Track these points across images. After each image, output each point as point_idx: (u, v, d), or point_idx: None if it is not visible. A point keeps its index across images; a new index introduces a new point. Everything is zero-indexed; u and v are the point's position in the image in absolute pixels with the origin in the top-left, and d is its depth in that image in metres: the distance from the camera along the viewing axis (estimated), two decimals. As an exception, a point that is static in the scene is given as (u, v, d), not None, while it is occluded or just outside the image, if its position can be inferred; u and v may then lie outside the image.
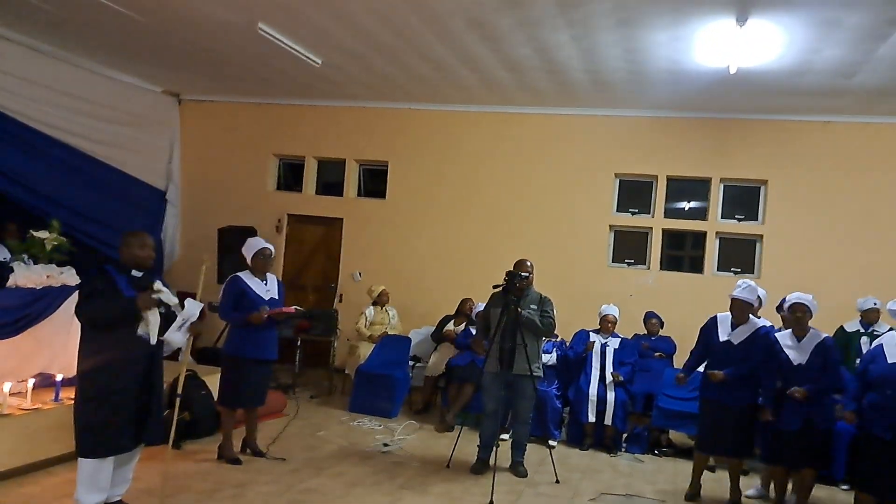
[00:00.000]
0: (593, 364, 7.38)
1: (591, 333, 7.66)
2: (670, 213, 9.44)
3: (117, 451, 4.36)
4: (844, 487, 6.23)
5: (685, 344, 6.16)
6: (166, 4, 6.72)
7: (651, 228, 9.40)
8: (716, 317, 5.88)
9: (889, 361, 5.05)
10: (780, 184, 8.92)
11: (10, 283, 5.85)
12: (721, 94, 8.10)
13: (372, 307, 8.88)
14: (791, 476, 5.66)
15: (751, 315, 5.77)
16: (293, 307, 6.16)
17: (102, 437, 4.27)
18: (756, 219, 9.14)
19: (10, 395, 5.25)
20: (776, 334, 5.67)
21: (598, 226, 9.46)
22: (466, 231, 9.81)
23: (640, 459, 7.02)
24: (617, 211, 9.56)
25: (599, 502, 5.68)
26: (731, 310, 5.75)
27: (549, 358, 7.59)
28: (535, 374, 6.08)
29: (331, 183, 10.65)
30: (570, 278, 9.10)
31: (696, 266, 9.36)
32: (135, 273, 4.45)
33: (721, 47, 6.49)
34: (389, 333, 8.77)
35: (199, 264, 4.92)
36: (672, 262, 9.54)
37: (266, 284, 5.98)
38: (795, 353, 5.45)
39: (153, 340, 4.36)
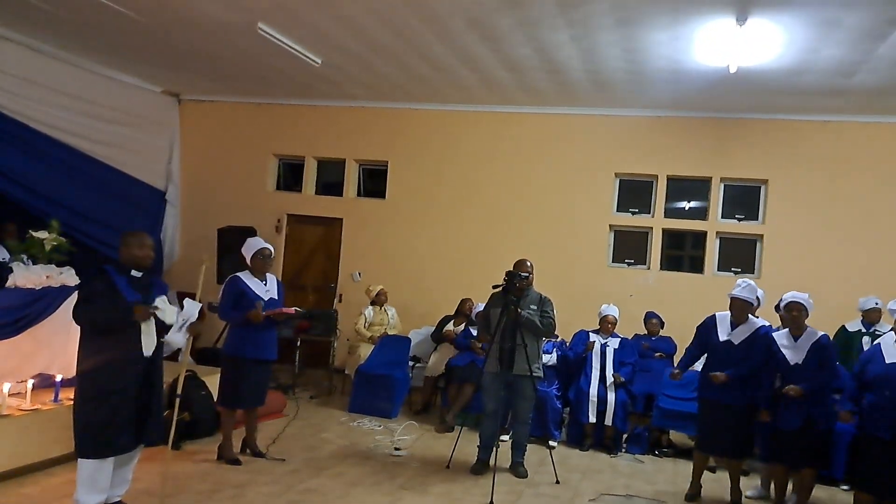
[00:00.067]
0: (593, 364, 7.37)
1: (590, 334, 7.64)
2: (670, 212, 9.43)
3: (117, 452, 4.35)
4: (845, 488, 6.22)
5: (685, 344, 6.14)
6: (166, 4, 6.71)
7: (651, 228, 9.40)
8: (714, 316, 5.87)
9: (887, 362, 5.05)
10: (780, 183, 8.92)
11: (10, 283, 5.84)
12: (721, 93, 8.09)
13: (370, 307, 8.87)
14: (791, 476, 5.66)
15: (749, 315, 5.77)
16: (293, 308, 6.15)
17: (102, 437, 4.27)
18: (756, 218, 9.13)
19: (9, 395, 5.24)
20: (773, 334, 5.68)
21: (598, 226, 9.46)
22: (466, 231, 9.80)
23: (640, 460, 7.01)
24: (617, 211, 9.56)
25: (599, 503, 5.68)
26: (730, 309, 5.74)
27: (550, 358, 7.58)
28: (535, 374, 6.07)
29: (330, 183, 10.65)
30: (570, 278, 9.09)
31: (697, 266, 9.36)
32: (134, 273, 4.44)
33: (721, 47, 6.49)
34: (389, 333, 8.77)
35: (199, 264, 4.92)
36: (672, 261, 9.53)
37: (266, 285, 5.97)
38: (792, 353, 5.46)
39: (146, 352, 4.34)
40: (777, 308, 6.25)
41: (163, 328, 4.47)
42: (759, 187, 9.12)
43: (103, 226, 8.80)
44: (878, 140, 8.61)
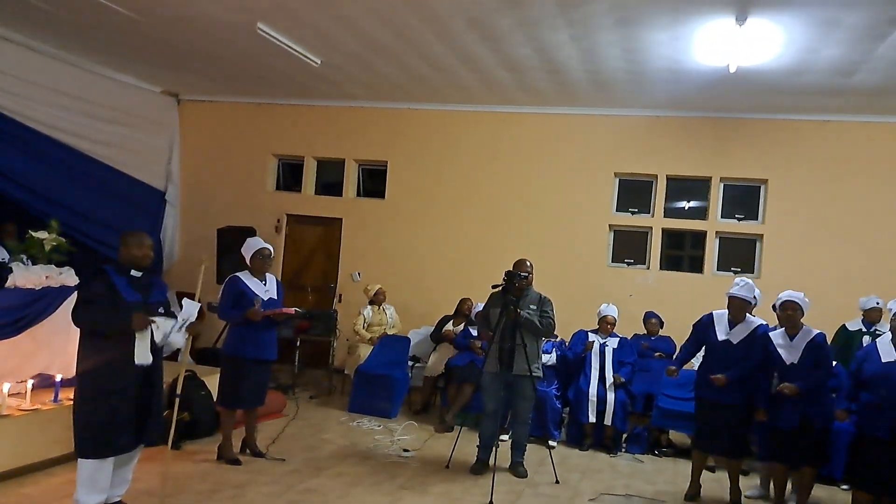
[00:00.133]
0: (593, 364, 7.37)
1: (589, 334, 7.64)
2: (670, 212, 9.43)
3: (117, 452, 4.35)
4: (844, 487, 6.22)
5: (685, 344, 6.16)
6: (166, 4, 6.71)
7: (651, 228, 9.40)
8: (711, 314, 5.86)
9: (883, 361, 5.05)
10: (779, 183, 8.92)
11: (9, 283, 5.83)
12: (721, 93, 8.10)
13: (369, 307, 8.86)
14: (790, 475, 5.66)
15: (747, 313, 5.77)
16: (293, 308, 6.15)
17: (102, 437, 4.27)
18: (756, 218, 9.14)
19: (9, 395, 5.24)
20: (770, 333, 5.68)
21: (598, 225, 9.46)
22: (466, 231, 9.80)
23: (639, 460, 7.01)
24: (617, 210, 9.56)
25: (599, 502, 5.68)
26: (728, 308, 5.74)
27: (549, 358, 7.58)
28: (534, 374, 6.07)
29: (330, 183, 10.65)
30: (570, 278, 9.09)
31: (696, 266, 9.36)
32: (134, 273, 4.44)
33: (721, 46, 6.49)
34: (389, 333, 8.77)
35: (198, 264, 4.92)
36: (672, 261, 9.53)
37: (265, 285, 5.97)
38: (787, 353, 5.46)
39: (138, 361, 4.33)
40: (774, 307, 6.26)
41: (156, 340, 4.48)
42: (759, 187, 9.12)
43: (103, 226, 8.80)
44: (878, 140, 8.61)
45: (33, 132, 8.18)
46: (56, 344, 5.91)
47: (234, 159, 10.71)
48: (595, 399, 7.18)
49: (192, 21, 7.11)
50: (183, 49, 8.19)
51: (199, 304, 4.65)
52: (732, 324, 5.70)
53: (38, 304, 5.93)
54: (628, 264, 9.50)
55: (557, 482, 6.02)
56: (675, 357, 6.06)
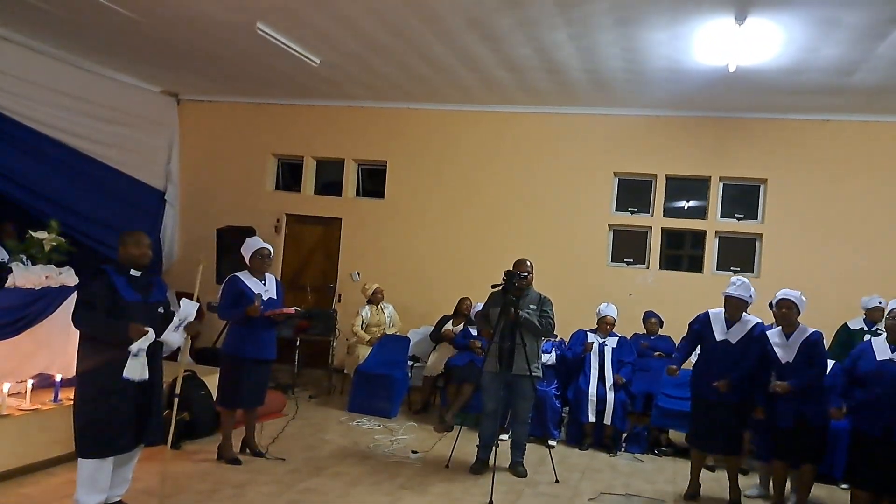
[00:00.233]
0: (592, 364, 7.37)
1: (588, 333, 7.64)
2: (669, 212, 9.43)
3: (117, 452, 4.35)
4: (844, 486, 6.22)
5: (684, 343, 6.16)
6: (166, 4, 6.71)
7: (650, 227, 9.40)
8: (707, 313, 5.84)
9: (878, 359, 5.06)
10: (779, 183, 8.92)
11: (9, 283, 5.82)
12: (720, 92, 8.10)
13: (367, 307, 8.86)
14: (790, 474, 5.66)
15: (743, 312, 5.77)
16: (293, 308, 6.16)
17: (102, 437, 4.27)
18: (755, 218, 9.14)
19: (9, 395, 5.24)
20: (767, 332, 5.69)
21: (598, 225, 9.46)
22: (465, 231, 9.80)
23: (639, 459, 7.02)
24: (616, 210, 9.56)
25: (599, 502, 5.68)
26: (725, 308, 5.74)
27: (549, 358, 7.59)
28: (534, 374, 6.07)
29: (329, 183, 10.65)
30: (570, 278, 9.09)
31: (696, 265, 9.36)
32: (133, 272, 4.44)
33: (720, 46, 6.49)
34: (388, 332, 8.77)
35: (197, 264, 4.92)
36: (671, 261, 9.54)
37: (265, 284, 5.97)
38: (783, 351, 5.48)
39: (126, 374, 4.30)
40: (771, 306, 6.28)
41: (163, 321, 4.48)
42: (759, 186, 9.12)
43: (102, 226, 8.79)
44: (878, 139, 8.61)
45: (33, 132, 8.17)
46: (56, 344, 5.91)
47: (234, 159, 10.71)
48: (595, 398, 7.18)
49: (192, 21, 7.11)
50: (183, 49, 8.19)
51: (198, 304, 4.64)
52: (729, 323, 5.70)
53: (38, 304, 5.93)
54: (628, 264, 9.50)
55: (557, 482, 6.02)
56: (673, 356, 6.04)
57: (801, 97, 8.05)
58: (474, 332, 7.97)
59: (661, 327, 8.24)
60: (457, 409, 7.50)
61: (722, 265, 9.21)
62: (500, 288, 6.04)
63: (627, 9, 5.96)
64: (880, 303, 7.10)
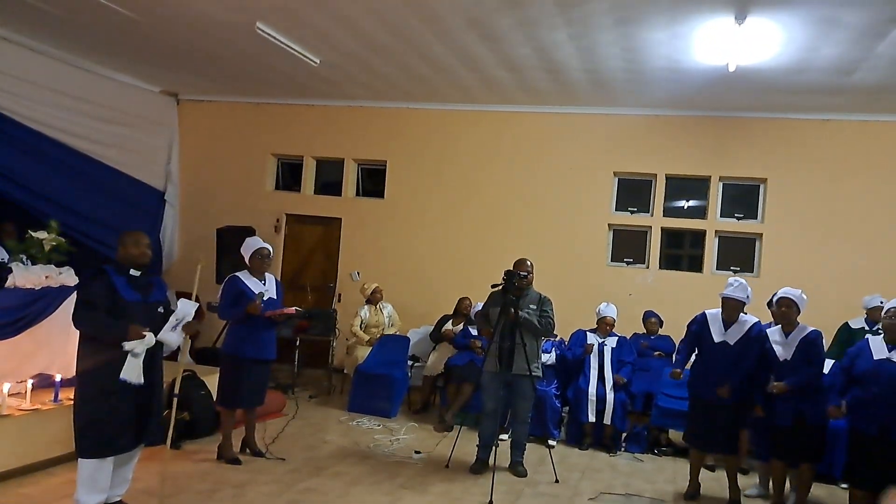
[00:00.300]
0: (592, 364, 7.37)
1: (588, 333, 7.64)
2: (669, 211, 9.43)
3: (117, 452, 4.35)
4: (844, 486, 6.22)
5: (684, 343, 6.15)
6: (165, 4, 6.71)
7: (650, 227, 9.40)
8: (705, 314, 5.84)
9: (875, 358, 5.06)
10: (779, 182, 8.92)
11: (9, 283, 5.83)
12: (720, 92, 8.10)
13: (366, 306, 8.86)
14: (789, 474, 5.66)
15: (740, 313, 5.77)
16: (293, 308, 6.16)
17: (102, 437, 4.27)
18: (755, 217, 9.14)
19: (9, 395, 5.24)
20: (767, 330, 5.70)
21: (597, 224, 9.46)
22: (465, 230, 9.80)
23: (639, 459, 7.02)
24: (616, 210, 9.55)
25: (599, 502, 5.68)
26: (722, 309, 5.74)
27: (549, 358, 7.59)
28: (534, 373, 6.07)
29: (329, 183, 10.64)
30: (569, 277, 9.09)
31: (696, 265, 9.36)
32: (133, 272, 4.44)
33: (720, 45, 6.49)
34: (388, 332, 8.77)
35: (196, 264, 4.92)
36: (671, 260, 9.53)
37: (264, 284, 5.97)
38: (782, 349, 5.49)
39: (123, 376, 4.31)
40: (769, 305, 6.28)
41: (163, 319, 4.49)
42: (759, 186, 9.12)
43: (102, 226, 8.79)
44: (878, 139, 8.61)
45: (33, 132, 8.17)
46: (56, 344, 5.91)
47: (234, 159, 10.70)
48: (594, 398, 7.18)
49: (192, 21, 7.11)
50: (182, 49, 8.19)
51: (197, 304, 4.64)
52: (727, 324, 5.70)
53: (38, 304, 5.94)
54: (628, 263, 9.49)
55: (557, 481, 6.03)
56: (675, 359, 6.02)
57: (800, 97, 8.05)
58: (474, 332, 7.97)
59: (661, 327, 8.24)
60: (457, 409, 7.50)
61: (722, 265, 9.21)
62: (500, 288, 6.04)
63: (627, 8, 5.96)
64: (881, 302, 7.09)
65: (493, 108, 9.71)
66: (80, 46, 8.43)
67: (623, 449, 7.22)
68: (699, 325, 5.82)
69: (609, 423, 7.16)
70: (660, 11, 5.96)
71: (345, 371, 8.91)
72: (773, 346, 5.53)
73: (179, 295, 4.73)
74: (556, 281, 8.21)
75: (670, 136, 9.22)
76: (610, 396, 7.18)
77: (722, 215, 9.23)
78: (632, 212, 9.51)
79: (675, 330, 7.93)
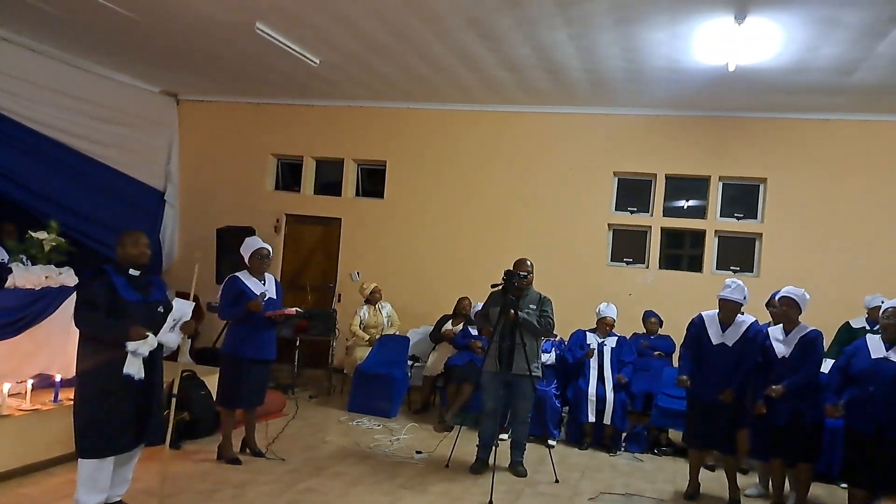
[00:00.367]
0: (592, 364, 7.36)
1: (587, 333, 7.64)
2: (669, 211, 9.43)
3: (117, 452, 4.35)
4: (843, 486, 6.22)
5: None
6: (165, 4, 6.71)
7: (650, 227, 9.40)
8: (701, 316, 5.84)
9: (872, 357, 5.06)
10: (779, 182, 8.92)
11: (9, 283, 5.83)
12: (720, 92, 8.10)
13: (365, 306, 8.86)
14: (788, 473, 5.66)
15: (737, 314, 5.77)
16: (294, 308, 6.16)
17: (102, 437, 4.26)
18: (755, 217, 9.14)
19: (9, 395, 5.24)
20: (769, 329, 5.70)
21: (597, 224, 9.46)
22: (465, 230, 9.80)
23: (639, 458, 7.02)
24: (616, 210, 9.55)
25: (599, 501, 5.68)
26: (719, 310, 5.74)
27: (549, 357, 7.59)
28: (534, 373, 6.07)
29: (329, 183, 10.64)
30: (569, 277, 9.09)
31: (695, 265, 9.36)
32: (132, 272, 4.44)
33: (720, 45, 6.49)
34: (387, 332, 8.77)
35: (194, 264, 4.92)
36: (671, 260, 9.54)
37: (264, 284, 5.97)
38: (782, 347, 5.50)
39: (126, 370, 4.31)
40: (768, 304, 6.28)
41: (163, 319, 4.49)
42: (758, 186, 9.12)
43: (102, 226, 8.80)
44: (878, 138, 8.61)
45: (33, 132, 8.17)
46: (56, 344, 5.91)
47: (234, 159, 10.70)
48: (594, 398, 7.18)
49: (192, 21, 7.11)
50: (182, 49, 8.19)
51: (193, 303, 4.63)
52: (724, 325, 5.70)
53: (38, 305, 5.94)
54: (627, 263, 9.49)
55: (557, 481, 6.02)
56: (680, 366, 5.96)
57: (800, 96, 8.05)
58: (474, 332, 7.98)
59: (661, 327, 8.24)
60: (457, 409, 7.49)
61: (721, 265, 9.21)
62: (500, 287, 6.04)
63: (627, 8, 5.96)
64: (882, 302, 7.10)
65: (492, 108, 9.71)
66: (80, 46, 8.43)
67: (623, 449, 7.22)
68: (697, 328, 5.82)
69: (609, 423, 7.16)
70: (660, 11, 5.96)
71: (345, 371, 8.92)
72: (774, 343, 5.54)
73: (179, 295, 4.72)
74: (556, 281, 8.21)
75: (670, 136, 9.23)
76: (610, 396, 7.18)
77: (722, 215, 9.23)
78: (632, 212, 9.51)
79: (675, 330, 7.93)
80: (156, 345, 4.38)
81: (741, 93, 8.07)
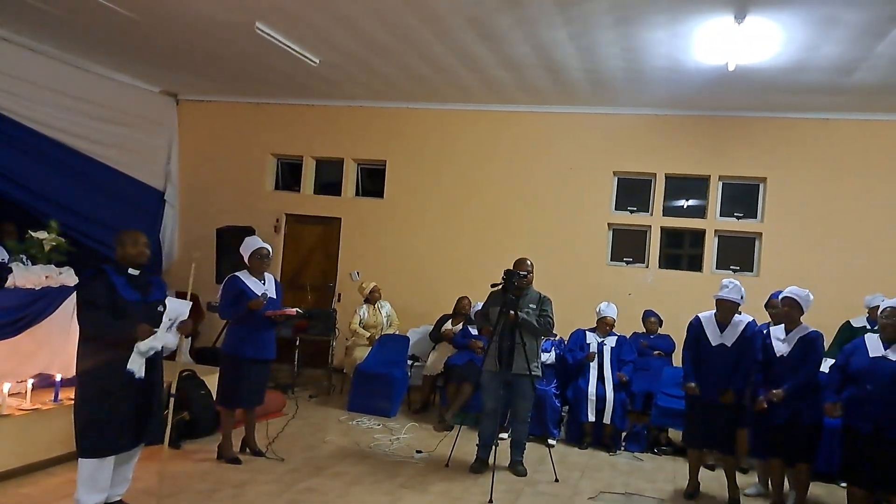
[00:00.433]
0: (592, 364, 7.36)
1: (587, 333, 7.64)
2: (669, 211, 9.43)
3: (117, 451, 4.35)
4: (843, 485, 6.22)
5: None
6: (165, 4, 6.71)
7: (650, 227, 9.40)
8: (699, 318, 5.84)
9: (871, 356, 5.06)
10: (778, 181, 8.92)
11: (9, 283, 5.83)
12: (720, 91, 8.10)
13: (364, 305, 8.86)
14: (787, 472, 5.66)
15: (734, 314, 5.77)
16: (294, 308, 6.16)
17: (102, 436, 4.27)
18: (755, 217, 9.14)
19: (9, 395, 5.24)
20: (771, 328, 5.71)
21: (597, 224, 9.46)
22: (465, 230, 9.80)
23: (639, 458, 7.02)
24: (615, 209, 9.55)
25: (599, 501, 5.69)
26: (717, 311, 5.74)
27: (548, 357, 7.59)
28: (533, 373, 6.07)
29: (329, 182, 10.64)
30: (569, 277, 9.09)
31: (695, 264, 9.36)
32: (132, 271, 4.44)
33: (719, 45, 6.49)
34: (386, 331, 8.77)
35: (192, 263, 4.92)
36: (671, 260, 9.54)
37: (264, 284, 5.97)
38: (781, 345, 5.51)
39: (129, 366, 4.31)
40: (767, 305, 6.28)
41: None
42: (758, 185, 9.12)
43: (102, 226, 8.79)
44: (878, 138, 8.61)
45: (33, 132, 8.17)
46: (56, 344, 5.92)
47: (233, 159, 10.71)
48: (594, 398, 7.18)
49: (192, 21, 7.11)
50: (182, 49, 8.19)
51: (190, 303, 4.63)
52: (722, 326, 5.70)
53: (38, 304, 5.94)
54: (627, 263, 9.50)
55: (557, 481, 6.03)
56: (685, 372, 5.94)
57: (800, 96, 8.05)
58: (474, 332, 7.98)
59: (661, 326, 8.25)
60: (456, 409, 7.50)
61: (721, 264, 9.21)
62: (500, 287, 6.04)
63: (627, 8, 5.96)
64: (883, 301, 7.09)
65: (492, 108, 9.71)
66: (80, 46, 8.43)
67: (623, 448, 7.22)
68: (695, 330, 5.83)
69: (609, 422, 7.16)
70: (660, 11, 5.96)
71: (344, 371, 8.92)
72: (774, 342, 5.54)
73: (179, 295, 4.71)
74: (556, 281, 8.21)
75: (670, 136, 9.23)
76: (610, 396, 7.18)
77: (721, 215, 9.23)
78: (631, 211, 9.52)
79: (675, 329, 7.95)
80: (159, 345, 4.38)
81: (741, 92, 8.07)
